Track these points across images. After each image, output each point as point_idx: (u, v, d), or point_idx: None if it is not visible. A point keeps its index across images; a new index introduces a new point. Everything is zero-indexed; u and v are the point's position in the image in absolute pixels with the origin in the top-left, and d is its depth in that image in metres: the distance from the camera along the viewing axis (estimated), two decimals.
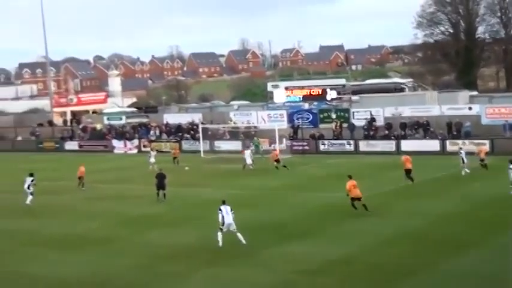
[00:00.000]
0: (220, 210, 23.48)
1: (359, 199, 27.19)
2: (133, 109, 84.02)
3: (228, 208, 23.46)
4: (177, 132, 61.07)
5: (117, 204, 33.00)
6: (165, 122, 64.03)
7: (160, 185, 32.74)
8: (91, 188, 38.78)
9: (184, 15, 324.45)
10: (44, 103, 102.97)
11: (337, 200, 29.24)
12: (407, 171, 33.87)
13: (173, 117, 65.43)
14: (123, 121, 67.98)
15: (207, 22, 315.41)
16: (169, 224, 27.59)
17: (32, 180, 33.93)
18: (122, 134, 63.99)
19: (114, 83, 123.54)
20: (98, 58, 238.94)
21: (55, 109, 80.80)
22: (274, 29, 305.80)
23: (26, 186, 33.97)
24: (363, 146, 50.58)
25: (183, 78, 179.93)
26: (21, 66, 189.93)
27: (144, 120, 66.86)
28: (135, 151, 61.05)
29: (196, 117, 62.42)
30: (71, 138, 67.47)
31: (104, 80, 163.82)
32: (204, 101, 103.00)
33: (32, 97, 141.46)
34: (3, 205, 34.72)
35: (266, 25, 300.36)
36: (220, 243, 22.84)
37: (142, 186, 37.98)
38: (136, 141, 61.92)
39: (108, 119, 70.00)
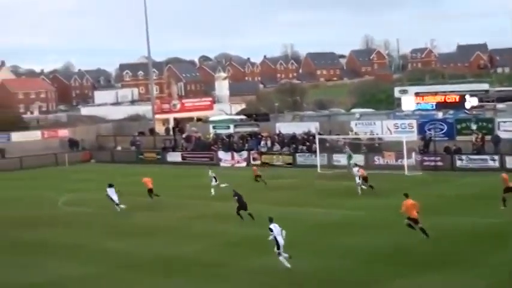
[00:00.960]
0: (271, 230, 23.82)
1: (416, 221, 27.10)
2: (242, 117, 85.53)
3: (277, 226, 23.84)
4: (291, 143, 61.59)
5: (221, 224, 33.79)
6: (277, 132, 64.74)
7: (243, 205, 33.62)
8: (193, 205, 39.97)
9: (299, 11, 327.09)
10: (145, 109, 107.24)
11: (479, 224, 28.47)
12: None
13: (287, 127, 66.04)
14: (231, 130, 69.37)
15: (326, 18, 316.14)
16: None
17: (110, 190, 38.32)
18: (229, 145, 65.36)
19: (222, 87, 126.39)
20: (204, 59, 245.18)
21: (157, 116, 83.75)
22: (403, 26, 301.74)
23: (113, 197, 38.07)
24: (511, 162, 48.83)
25: (298, 81, 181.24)
26: (122, 67, 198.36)
27: (254, 129, 67.89)
28: (243, 164, 62.12)
29: (313, 127, 62.70)
30: (174, 148, 69.75)
31: (210, 83, 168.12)
32: (322, 108, 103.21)
33: (132, 102, 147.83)
34: (103, 222, 36.53)
35: (393, 21, 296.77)
36: (288, 264, 23.45)
37: (251, 205, 38.71)
38: (245, 154, 62.96)
39: (214, 127, 71.58)
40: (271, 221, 24.28)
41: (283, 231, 24.09)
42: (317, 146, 55.56)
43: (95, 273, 25.73)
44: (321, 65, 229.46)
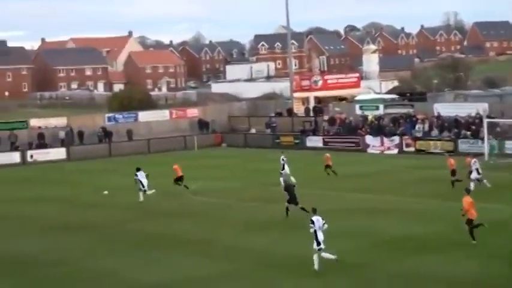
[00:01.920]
0: (312, 223, 24.52)
1: (470, 222, 27.40)
2: (394, 96, 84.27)
3: (321, 220, 24.58)
4: (453, 127, 60.09)
5: (371, 220, 33.47)
6: (435, 114, 63.40)
7: (293, 199, 34.13)
8: (336, 197, 39.83)
9: None
10: (282, 86, 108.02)
11: None
12: None
13: (447, 108, 64.53)
14: (381, 111, 68.60)
15: None
16: (433, 249, 27.31)
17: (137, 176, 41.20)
18: (378, 129, 64.66)
19: (371, 61, 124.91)
20: (351, 29, 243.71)
21: (296, 94, 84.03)
22: None
23: (143, 181, 41.03)
24: None
25: (462, 55, 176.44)
26: (257, 39, 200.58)
27: (408, 110, 66.79)
28: (394, 151, 61.31)
29: (480, 108, 60.82)
30: (314, 132, 69.87)
31: (357, 57, 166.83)
32: (492, 86, 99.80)
33: (268, 78, 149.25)
34: (236, 215, 37.11)
35: None
36: (333, 256, 24.29)
37: (401, 198, 38.08)
38: (396, 139, 62.14)
39: (361, 108, 71.09)
40: (314, 212, 25.05)
41: (325, 225, 24.84)
42: (485, 131, 53.89)
43: (228, 271, 26.10)
44: (490, 36, 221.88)
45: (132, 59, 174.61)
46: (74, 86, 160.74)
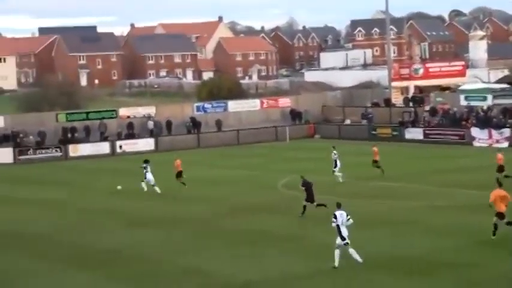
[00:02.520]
0: (335, 217, 25.25)
1: (502, 216, 27.75)
2: (504, 85, 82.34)
3: (345, 215, 25.22)
4: None
5: (476, 217, 32.86)
6: None
7: (310, 197, 34.64)
8: (436, 193, 39.27)
9: None
10: (380, 74, 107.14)
11: None
12: None
13: None
14: (489, 102, 67.28)
15: None
16: None
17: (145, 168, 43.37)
18: (486, 121, 63.43)
19: (478, 48, 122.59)
20: (456, 14, 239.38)
21: (394, 83, 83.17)
22: None
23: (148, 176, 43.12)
24: None
25: None
26: (354, 24, 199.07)
27: None
28: (504, 144, 60.10)
29: None
30: (414, 123, 69.01)
31: (462, 43, 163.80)
32: None
33: (365, 66, 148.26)
34: (329, 210, 37.05)
35: None
36: (359, 258, 24.98)
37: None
38: (507, 131, 61.16)
39: (466, 98, 69.93)
40: (338, 207, 25.76)
41: (350, 220, 25.59)
42: None
43: (322, 269, 26.07)
44: None
45: (221, 45, 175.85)
46: (163, 73, 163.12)
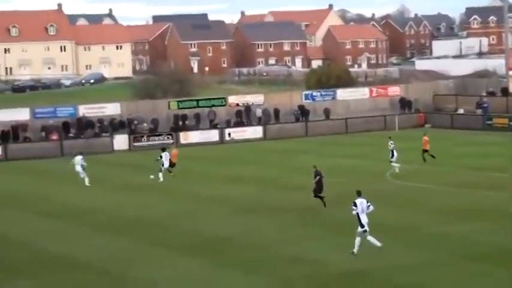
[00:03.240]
0: (355, 205, 26.06)
1: None
2: None
3: (365, 202, 26.08)
4: None
5: None
6: None
7: (319, 188, 35.19)
8: None
9: None
10: (496, 63, 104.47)
11: None
12: None
13: None
14: None
15: None
16: None
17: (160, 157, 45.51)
18: None
19: None
20: None
21: (511, 72, 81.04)
22: None
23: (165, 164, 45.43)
24: None
25: None
26: (469, 12, 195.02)
27: None
28: None
29: None
30: None
31: None
32: None
33: (480, 55, 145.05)
34: (438, 200, 36.49)
35: None
36: (378, 243, 25.90)
37: None
38: None
39: None
40: (359, 195, 26.55)
41: (370, 207, 26.40)
42: None
43: (431, 261, 25.90)
44: None
45: (331, 33, 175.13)
46: (272, 61, 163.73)
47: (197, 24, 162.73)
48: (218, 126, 70.09)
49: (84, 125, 67.57)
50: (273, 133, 69.36)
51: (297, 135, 68.78)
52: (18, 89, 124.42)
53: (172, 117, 70.31)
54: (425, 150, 46.99)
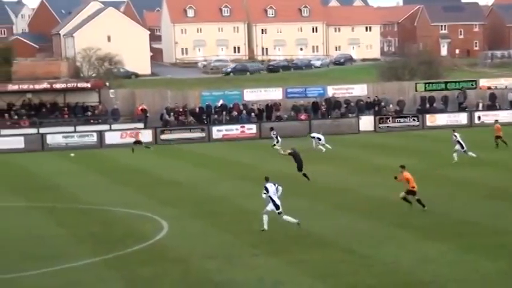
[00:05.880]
0: (266, 190, 28.34)
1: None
2: None
3: (273, 186, 28.44)
4: None
5: None
6: None
7: (299, 166, 39.41)
8: None
9: None
10: None
11: None
12: None
13: None
14: None
15: None
16: None
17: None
18: None
19: None
20: None
21: None
22: None
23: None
24: None
25: None
26: None
27: None
28: None
29: None
30: None
31: None
32: None
33: None
34: None
35: None
36: (295, 219, 28.33)
37: None
38: None
39: None
40: (267, 180, 28.82)
41: (279, 188, 28.66)
42: None
43: None
44: None
45: None
46: None
47: (449, 6, 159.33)
48: (467, 109, 68.19)
49: (332, 106, 68.39)
50: None
51: None
52: (273, 68, 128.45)
53: (419, 99, 69.33)
54: (498, 137, 48.89)
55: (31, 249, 27.58)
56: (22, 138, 59.99)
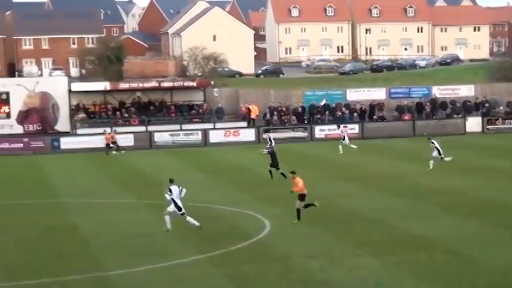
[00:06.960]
0: (170, 191, 29.03)
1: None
2: None
3: (177, 188, 29.08)
4: None
5: None
6: None
7: (275, 164, 41.30)
8: None
9: None
10: None
11: None
12: None
13: None
14: None
15: None
16: None
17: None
18: None
19: None
20: None
21: None
22: None
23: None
24: None
25: None
26: None
27: None
28: None
29: None
30: None
31: None
32: None
33: None
34: None
35: None
36: (196, 222, 29.02)
37: None
38: None
39: None
40: (171, 182, 29.46)
41: (183, 190, 29.37)
42: None
43: None
44: None
45: None
46: None
47: None
48: None
49: (438, 106, 67.37)
50: None
51: None
52: (376, 68, 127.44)
53: None
54: None
55: (139, 246, 28.24)
56: (132, 136, 61.41)
